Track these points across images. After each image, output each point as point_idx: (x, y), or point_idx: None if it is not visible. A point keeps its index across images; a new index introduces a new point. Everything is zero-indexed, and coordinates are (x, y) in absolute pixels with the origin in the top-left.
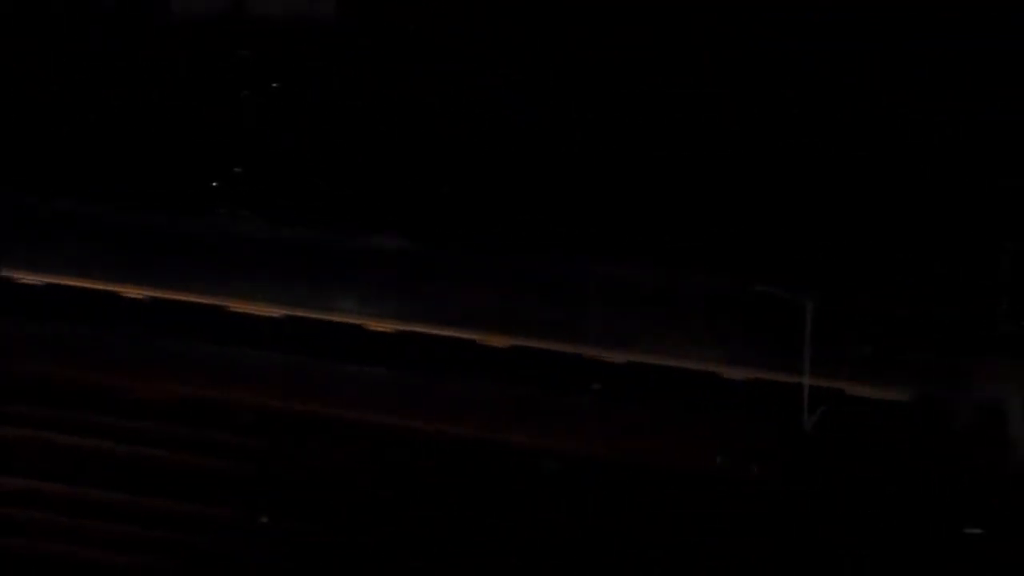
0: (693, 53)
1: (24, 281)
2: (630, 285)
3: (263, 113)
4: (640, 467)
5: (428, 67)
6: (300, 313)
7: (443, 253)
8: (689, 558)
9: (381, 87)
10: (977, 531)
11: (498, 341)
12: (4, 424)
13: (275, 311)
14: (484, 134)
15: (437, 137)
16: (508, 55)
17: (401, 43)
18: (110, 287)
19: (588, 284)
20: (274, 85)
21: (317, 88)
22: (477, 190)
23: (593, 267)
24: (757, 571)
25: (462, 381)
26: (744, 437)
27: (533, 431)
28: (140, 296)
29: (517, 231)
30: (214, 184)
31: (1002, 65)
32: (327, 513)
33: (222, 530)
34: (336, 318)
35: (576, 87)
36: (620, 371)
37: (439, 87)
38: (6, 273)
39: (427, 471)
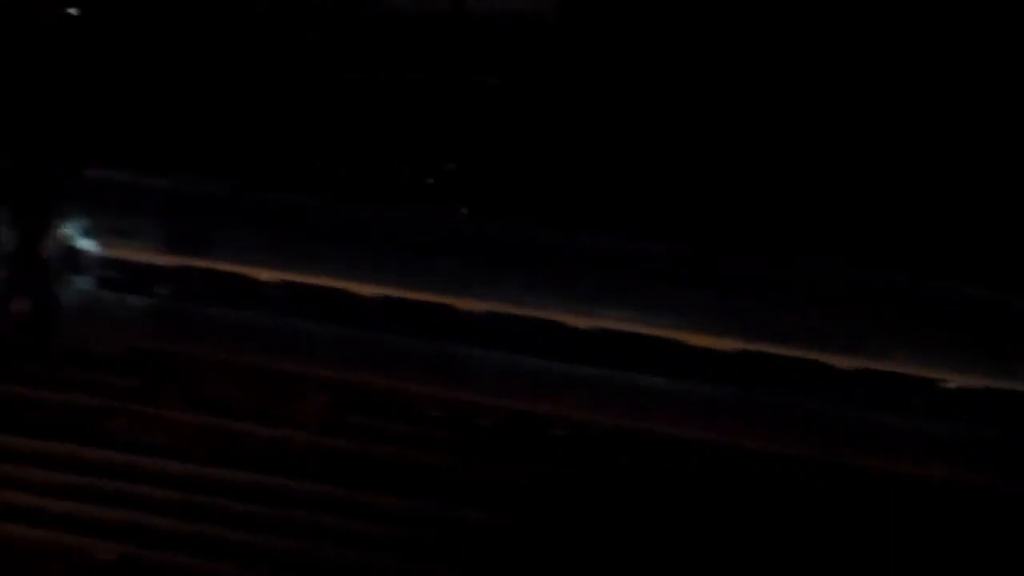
0: None
1: (260, 278)
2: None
3: (479, 110)
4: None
5: (653, 67)
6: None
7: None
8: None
9: (603, 86)
10: None
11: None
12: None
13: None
14: (710, 135)
15: (661, 139)
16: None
17: (625, 41)
18: (341, 284)
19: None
20: (490, 82)
21: (537, 86)
22: (710, 192)
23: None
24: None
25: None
26: (963, 444)
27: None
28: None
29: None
30: (429, 180)
31: None
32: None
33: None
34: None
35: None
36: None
37: (666, 87)
38: (226, 266)
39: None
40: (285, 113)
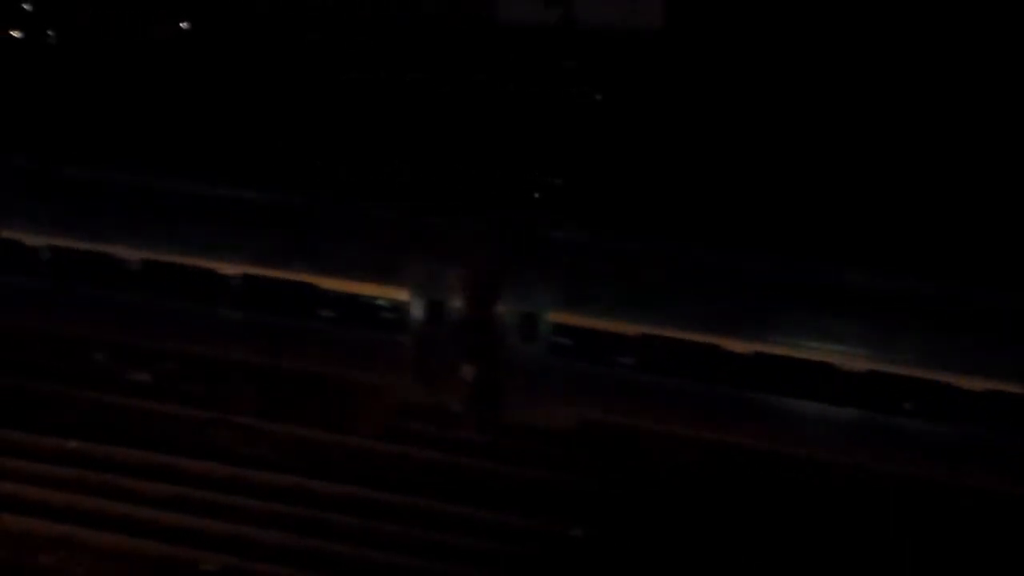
0: None
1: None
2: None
3: (586, 123)
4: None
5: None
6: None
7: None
8: None
9: (708, 96)
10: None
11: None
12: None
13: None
14: (816, 139)
15: (765, 147)
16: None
17: (729, 51)
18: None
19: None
20: (598, 96)
21: (642, 98)
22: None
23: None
24: None
25: None
26: None
27: None
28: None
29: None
30: (535, 195)
31: None
32: None
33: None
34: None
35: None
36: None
37: (770, 95)
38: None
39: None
40: (393, 122)
